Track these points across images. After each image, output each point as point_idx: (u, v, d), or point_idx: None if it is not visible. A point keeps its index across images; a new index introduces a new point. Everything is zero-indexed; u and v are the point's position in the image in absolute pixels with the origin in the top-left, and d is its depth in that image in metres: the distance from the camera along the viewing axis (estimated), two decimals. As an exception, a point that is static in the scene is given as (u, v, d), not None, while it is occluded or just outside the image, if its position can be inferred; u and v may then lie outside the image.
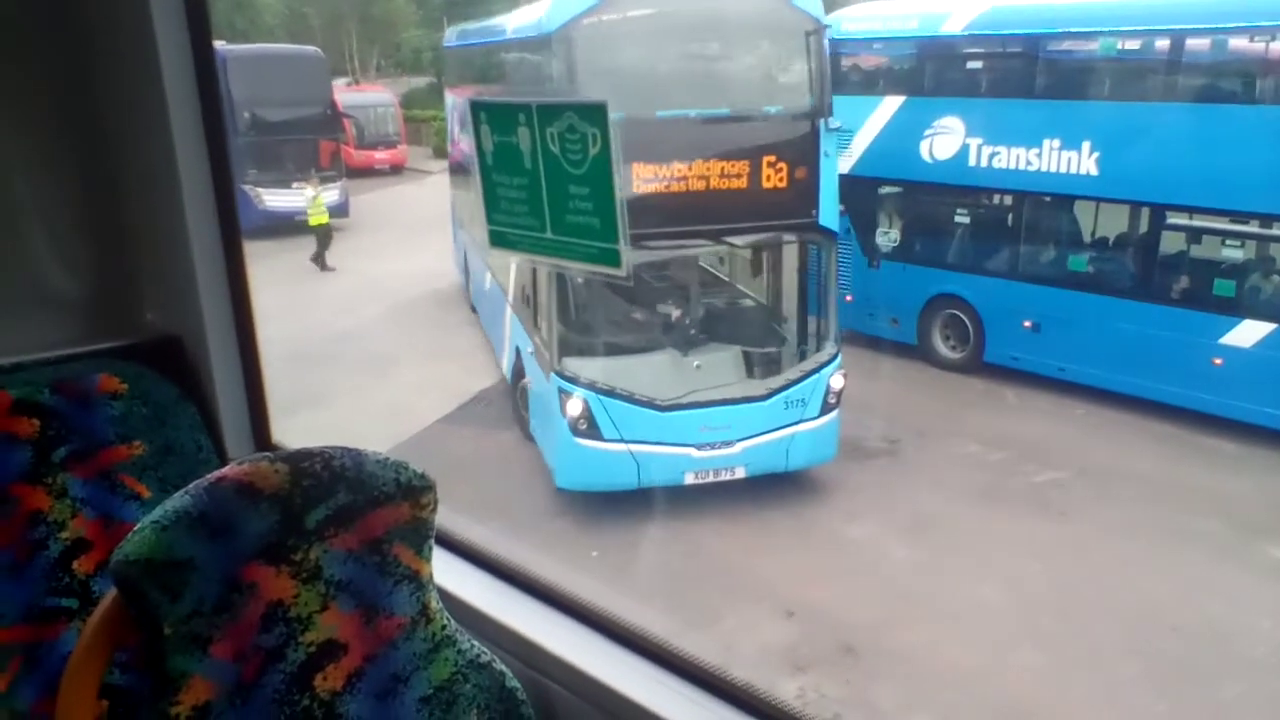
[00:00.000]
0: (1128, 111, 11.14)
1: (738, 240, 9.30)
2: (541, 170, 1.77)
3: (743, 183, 8.77)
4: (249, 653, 1.25)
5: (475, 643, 1.47)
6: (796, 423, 9.08)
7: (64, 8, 2.05)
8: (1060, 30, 11.84)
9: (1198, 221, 10.85)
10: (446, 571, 1.64)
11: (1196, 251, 11.01)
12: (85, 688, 1.21)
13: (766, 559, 8.35)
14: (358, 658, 1.33)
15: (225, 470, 1.26)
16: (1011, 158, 11.72)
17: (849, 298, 13.12)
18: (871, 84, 13.31)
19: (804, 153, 8.95)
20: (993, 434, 10.57)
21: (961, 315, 12.42)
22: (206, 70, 2.10)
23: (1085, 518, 8.87)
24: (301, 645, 1.29)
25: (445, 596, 1.47)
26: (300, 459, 1.29)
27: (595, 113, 1.68)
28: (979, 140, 11.92)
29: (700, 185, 8.71)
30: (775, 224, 9.24)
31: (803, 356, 9.65)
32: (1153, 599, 7.61)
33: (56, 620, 1.78)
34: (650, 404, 8.82)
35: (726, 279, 11.14)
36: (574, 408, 8.69)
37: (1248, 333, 10.17)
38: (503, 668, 1.48)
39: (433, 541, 1.39)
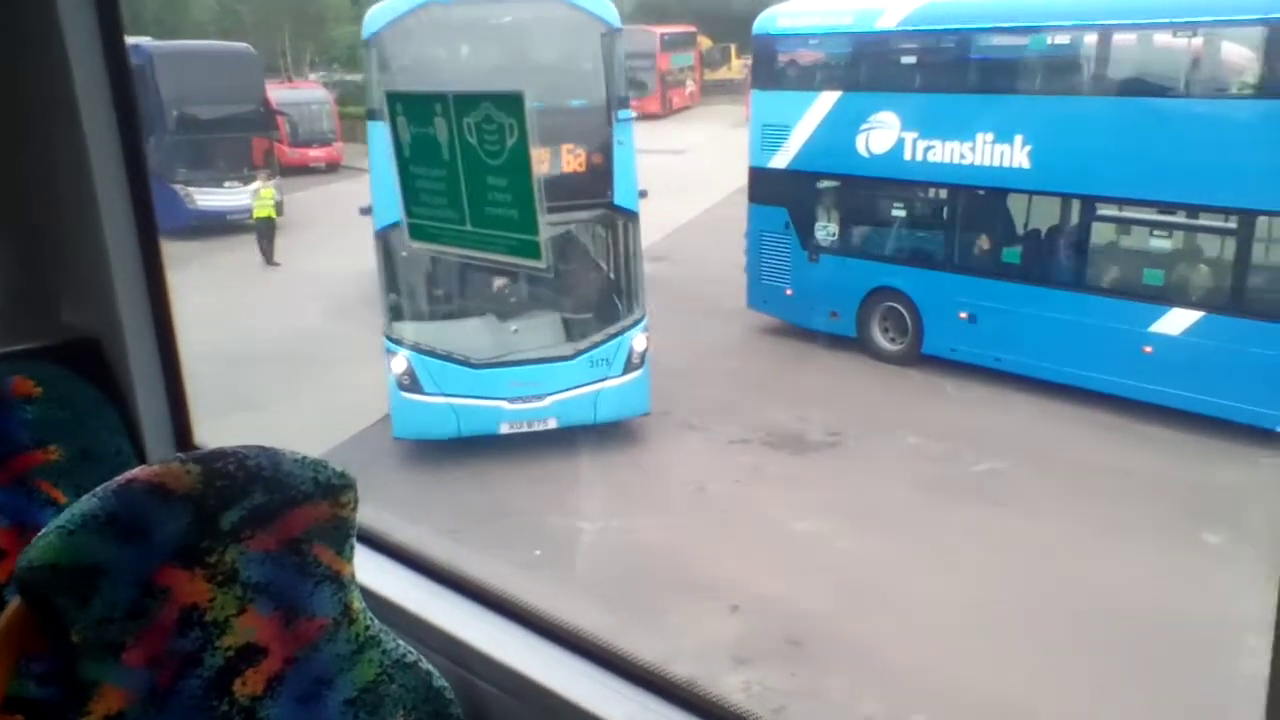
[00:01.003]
0: (1057, 105, 11.35)
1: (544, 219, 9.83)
2: (460, 162, 1.74)
3: (545, 168, 9.53)
4: (164, 659, 1.22)
5: (401, 642, 1.44)
6: (602, 380, 10.16)
7: None
8: (991, 25, 12.03)
9: (1127, 213, 11.09)
10: (371, 570, 1.62)
11: (1126, 242, 11.27)
12: None
13: (721, 562, 8.38)
14: (278, 661, 1.30)
15: (135, 471, 1.23)
16: (946, 151, 11.88)
17: (789, 291, 13.26)
18: (808, 79, 13.41)
19: (599, 141, 10.07)
20: (933, 425, 10.72)
21: (900, 308, 12.56)
22: (119, 66, 2.05)
23: (1022, 505, 9.03)
24: (219, 650, 1.26)
25: (369, 596, 1.45)
26: (214, 459, 1.26)
27: (512, 103, 1.65)
28: (914, 134, 12.07)
29: None
30: (576, 204, 10.08)
31: (611, 322, 10.51)
32: (1087, 581, 7.76)
33: None
34: (465, 361, 10.00)
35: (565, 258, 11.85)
36: (398, 365, 9.95)
37: (1176, 320, 10.42)
38: (429, 667, 1.46)
39: (354, 541, 1.37)
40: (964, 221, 12.29)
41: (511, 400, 9.94)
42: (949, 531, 8.62)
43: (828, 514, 9.02)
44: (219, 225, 13.87)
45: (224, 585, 1.25)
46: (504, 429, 9.98)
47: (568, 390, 10.02)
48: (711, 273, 15.70)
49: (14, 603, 1.18)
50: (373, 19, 9.75)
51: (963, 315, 11.95)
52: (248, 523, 1.26)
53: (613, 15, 10.13)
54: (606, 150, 10.05)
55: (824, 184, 13.30)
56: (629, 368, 10.25)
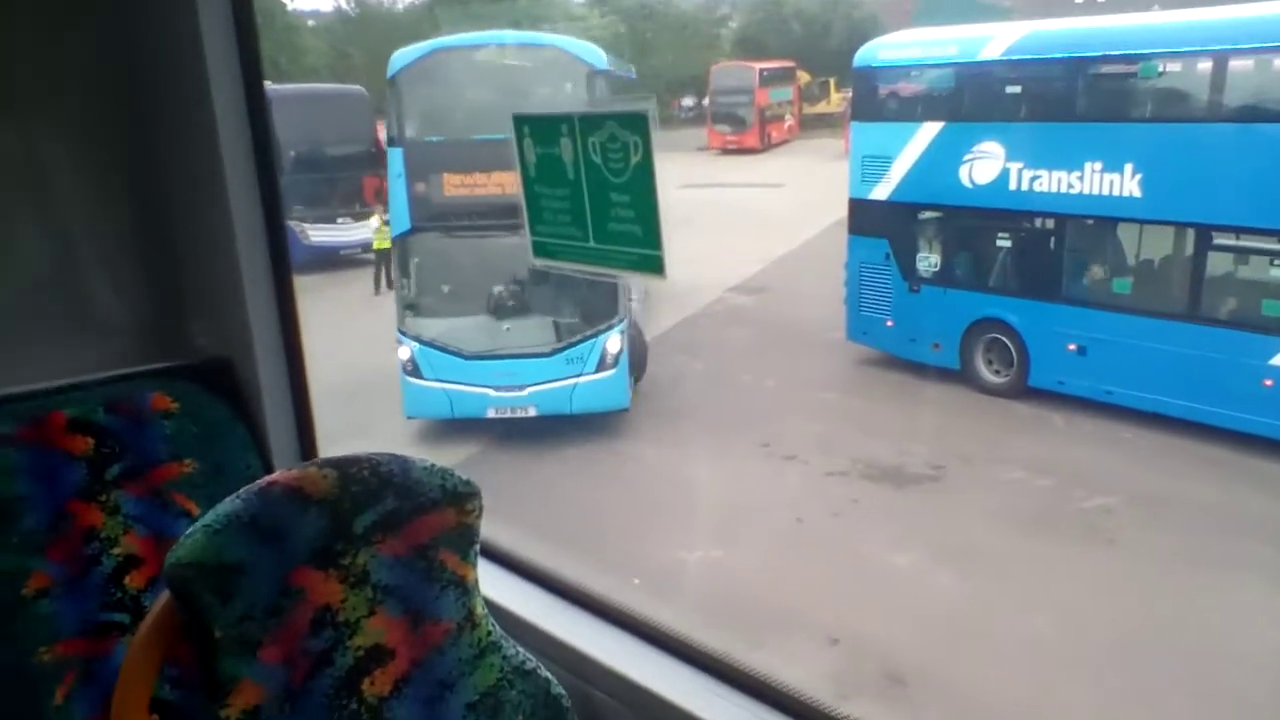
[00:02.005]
0: (1170, 133, 11.04)
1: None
2: (584, 180, 1.79)
3: None
4: (298, 657, 1.26)
5: (520, 649, 1.47)
6: (577, 375, 11.55)
7: (124, 47, 2.11)
8: (1100, 53, 11.78)
9: (1244, 242, 10.69)
10: (490, 581, 1.66)
11: (1244, 272, 10.84)
12: (139, 690, 1.23)
13: (819, 595, 8.27)
14: (405, 663, 1.34)
15: (275, 475, 1.29)
16: (1053, 181, 11.63)
17: (890, 323, 13.09)
18: (909, 110, 13.28)
19: None
20: (1039, 460, 10.42)
21: (1005, 339, 12.30)
22: (257, 105, 2.16)
23: (1135, 545, 8.71)
24: (349, 650, 1.30)
25: (489, 605, 1.48)
26: (348, 465, 1.31)
27: (637, 121, 1.69)
28: (1019, 164, 11.84)
29: (500, 190, 11.37)
30: None
31: (589, 326, 11.81)
32: (1208, 627, 7.44)
33: (109, 635, 1.81)
34: (458, 353, 11.61)
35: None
36: (403, 354, 11.71)
37: (1298, 354, 10.00)
38: (548, 675, 1.49)
39: (478, 548, 1.41)
40: (1072, 251, 12.00)
41: (497, 389, 11.47)
42: (1056, 570, 8.36)
43: (929, 549, 8.83)
44: (332, 260, 14.30)
45: (355, 587, 1.30)
46: (490, 413, 11.62)
47: (545, 383, 11.52)
48: (810, 305, 15.61)
49: (163, 597, 1.25)
50: (395, 61, 11.64)
51: (1071, 347, 11.64)
52: (379, 527, 1.30)
53: (597, 58, 11.82)
54: None
55: (926, 215, 13.13)
56: (602, 366, 11.61)
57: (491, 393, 11.49)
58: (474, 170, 11.65)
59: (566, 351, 11.67)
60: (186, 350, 2.27)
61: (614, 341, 11.63)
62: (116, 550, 1.84)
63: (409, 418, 11.81)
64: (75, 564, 1.80)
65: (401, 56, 11.70)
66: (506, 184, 11.04)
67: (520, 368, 11.56)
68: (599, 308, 11.88)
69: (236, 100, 2.12)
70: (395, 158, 11.83)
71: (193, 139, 2.14)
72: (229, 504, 1.25)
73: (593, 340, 11.66)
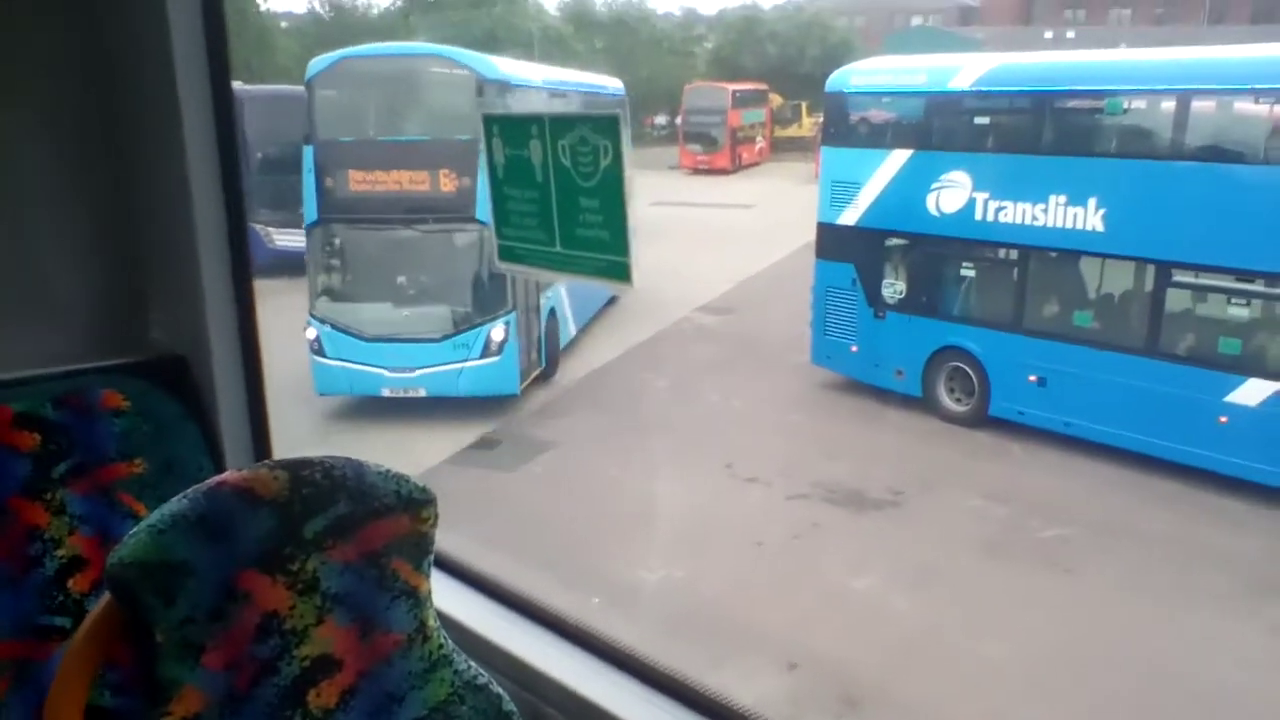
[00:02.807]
0: (1133, 169, 11.21)
1: (420, 227, 12.94)
2: (552, 183, 1.76)
3: (428, 187, 12.74)
4: (242, 663, 1.23)
5: (473, 664, 1.44)
6: (463, 360, 12.56)
7: (90, 41, 2.08)
8: (1067, 88, 11.96)
9: (1203, 279, 10.86)
10: (443, 593, 1.63)
11: (1202, 309, 11.02)
12: (73, 694, 1.18)
13: (777, 617, 8.27)
14: (352, 674, 1.30)
15: (224, 475, 1.25)
16: (1018, 212, 11.77)
17: (854, 348, 13.18)
18: (879, 137, 13.40)
19: (467, 166, 12.31)
20: (998, 488, 10.52)
21: (967, 368, 12.41)
22: (224, 103, 2.13)
23: (1091, 573, 8.79)
24: (296, 658, 1.26)
25: (442, 618, 1.45)
26: (300, 467, 1.27)
27: (608, 124, 1.66)
28: (985, 194, 11.98)
29: (399, 187, 12.81)
30: (448, 215, 12.70)
31: (478, 315, 12.79)
32: (1159, 655, 7.52)
33: (49, 638, 1.75)
34: (358, 335, 12.60)
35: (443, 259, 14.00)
36: (310, 334, 12.72)
37: (1253, 391, 10.14)
38: (500, 690, 1.45)
39: (432, 558, 1.38)
40: (1035, 283, 12.14)
41: (390, 369, 12.46)
42: (1012, 596, 8.42)
43: (887, 573, 8.87)
44: (296, 264, 14.24)
45: (304, 594, 1.26)
46: (385, 392, 12.66)
47: (434, 366, 12.54)
48: (776, 327, 15.71)
49: (104, 599, 1.21)
50: (310, 67, 13.06)
51: (1031, 378, 11.76)
52: (330, 532, 1.27)
53: (487, 67, 13.12)
54: (473, 174, 12.29)
55: (892, 241, 13.24)
56: (486, 353, 12.62)
57: (386, 373, 12.50)
58: (375, 168, 12.86)
59: (454, 338, 12.65)
60: (141, 346, 2.22)
61: (498, 330, 12.65)
62: (60, 551, 1.79)
63: (319, 394, 12.84)
64: (16, 563, 1.75)
65: (316, 64, 13.08)
66: (404, 181, 12.85)
67: (412, 351, 12.54)
68: (490, 300, 12.84)
69: (203, 97, 2.08)
70: (307, 155, 12.87)
71: (157, 135, 2.11)
72: (175, 503, 1.21)
73: (478, 329, 12.66)
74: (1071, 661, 7.50)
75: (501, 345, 12.67)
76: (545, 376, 14.05)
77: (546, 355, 14.10)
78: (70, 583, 1.78)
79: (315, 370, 12.71)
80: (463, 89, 12.82)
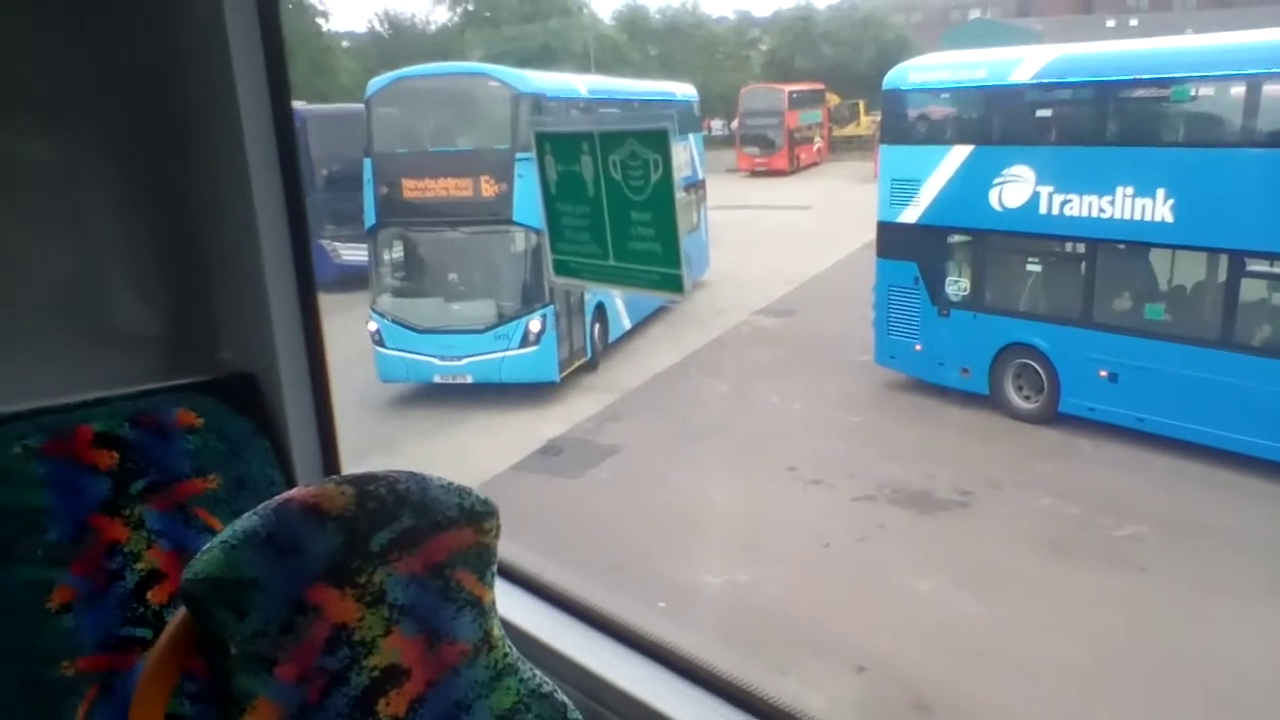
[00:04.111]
0: (1203, 158, 10.91)
1: (465, 229, 14.04)
2: (604, 198, 1.78)
3: (471, 192, 13.78)
4: (313, 675, 1.26)
5: (537, 672, 1.46)
6: (505, 350, 13.55)
7: (154, 64, 2.14)
8: (1132, 77, 11.71)
9: (1278, 268, 10.56)
10: (507, 602, 1.65)
11: (1277, 299, 10.71)
12: (154, 705, 1.22)
13: (844, 621, 8.21)
14: (420, 684, 1.33)
15: (292, 492, 1.28)
16: (1084, 205, 11.55)
17: (918, 347, 13.02)
18: (939, 133, 13.26)
19: (505, 173, 13.38)
20: (1069, 486, 10.31)
21: (1035, 365, 12.19)
22: (285, 123, 2.17)
23: (1166, 573, 8.58)
24: (365, 669, 1.29)
25: (506, 626, 1.47)
26: (365, 482, 1.30)
27: (657, 139, 1.67)
28: (1050, 188, 11.77)
29: (446, 193, 13.90)
30: (489, 219, 13.71)
31: (519, 308, 13.75)
32: (1239, 657, 7.31)
33: (131, 649, 1.81)
34: (412, 327, 13.74)
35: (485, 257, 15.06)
36: (372, 327, 13.91)
37: (1336, 382, 9.84)
38: (565, 699, 1.47)
39: (495, 568, 1.40)
40: (1103, 277, 11.88)
41: (441, 358, 13.53)
42: (1085, 597, 8.25)
43: (955, 575, 8.74)
44: (362, 279, 14.56)
45: (372, 606, 1.29)
46: (436, 379, 13.77)
47: (478, 355, 13.53)
48: (838, 327, 15.57)
49: (180, 613, 1.24)
50: (369, 87, 14.36)
51: (1102, 373, 11.52)
52: (396, 545, 1.30)
53: (524, 83, 14.15)
54: (510, 180, 13.31)
55: (955, 238, 13.06)
56: (525, 343, 13.57)
57: (436, 361, 13.57)
58: (425, 176, 13.99)
59: (496, 329, 13.67)
60: (211, 365, 2.28)
61: (536, 322, 13.60)
62: (139, 565, 1.84)
63: (382, 381, 13.93)
64: (98, 578, 1.81)
65: (374, 84, 14.41)
66: (451, 188, 13.89)
67: (459, 341, 13.60)
68: (529, 294, 13.84)
69: (264, 118, 2.13)
70: (367, 166, 14.05)
71: (221, 155, 2.16)
72: (246, 520, 1.24)
73: (518, 321, 13.63)
74: (1148, 664, 7.34)
75: (539, 336, 13.60)
76: (590, 367, 14.84)
77: (591, 347, 14.89)
78: (149, 595, 1.84)
79: (377, 359, 13.82)
80: (501, 103, 13.92)
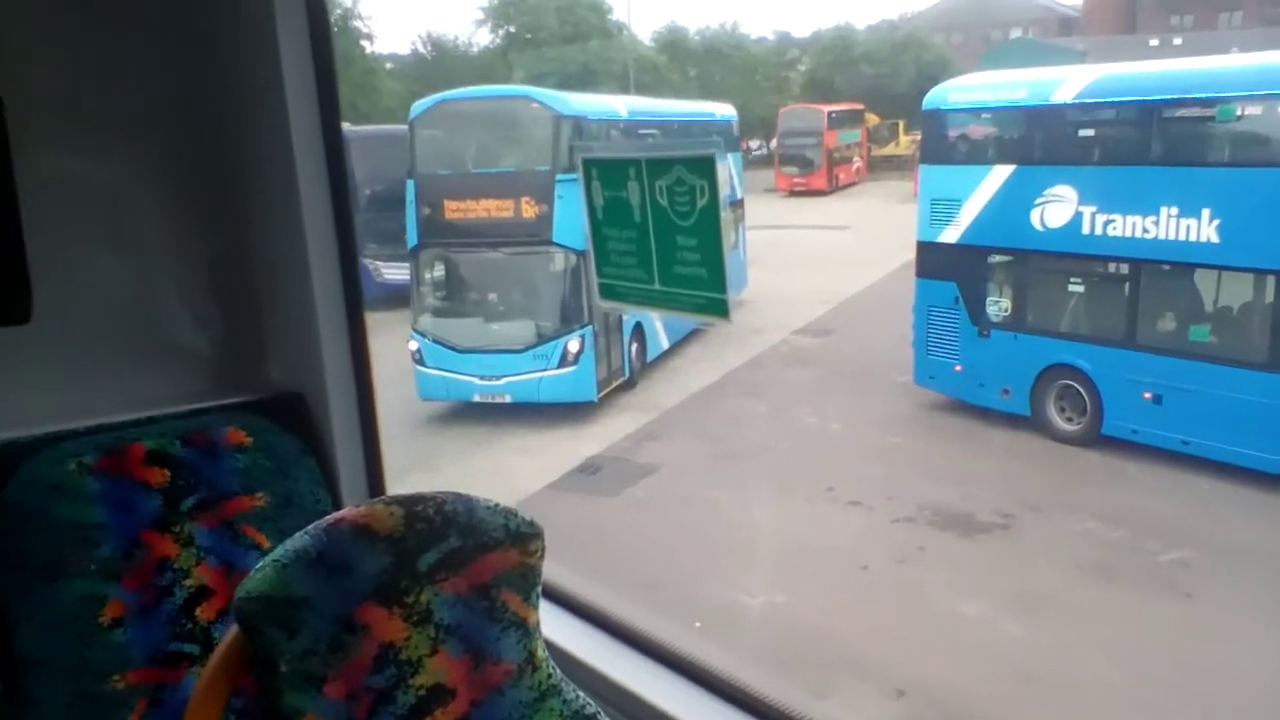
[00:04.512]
0: (1250, 178, 10.76)
1: (505, 249, 14.04)
2: (650, 223, 1.80)
3: (511, 213, 13.79)
4: (360, 694, 1.27)
5: (581, 694, 1.46)
6: (543, 370, 13.55)
7: (208, 85, 2.19)
8: (1177, 97, 11.58)
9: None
10: (551, 623, 1.66)
11: (1328, 321, 10.53)
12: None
13: (884, 644, 8.13)
14: (465, 703, 1.34)
15: (343, 512, 1.30)
16: (1127, 225, 11.42)
17: (958, 368, 12.92)
18: (980, 153, 13.18)
19: (545, 194, 13.43)
20: (1113, 510, 10.16)
21: (1077, 386, 12.05)
22: (334, 144, 2.21)
23: (1213, 599, 8.43)
24: (411, 688, 1.30)
25: (550, 648, 1.48)
26: (414, 503, 1.32)
27: (704, 165, 1.69)
28: (1092, 208, 11.66)
29: (487, 214, 13.92)
30: (529, 239, 13.77)
31: (557, 328, 13.79)
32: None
33: (179, 665, 1.83)
34: (452, 347, 13.84)
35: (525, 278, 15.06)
36: (412, 346, 14.02)
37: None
38: None
39: (540, 590, 1.41)
40: (1147, 297, 11.73)
41: (480, 378, 13.57)
42: (1130, 622, 8.12)
43: (997, 599, 8.63)
44: (404, 298, 14.74)
45: (419, 625, 1.30)
46: (475, 398, 13.77)
47: (517, 375, 13.56)
48: (877, 347, 15.49)
49: (232, 630, 1.27)
50: (413, 110, 14.43)
51: (1146, 395, 11.36)
52: (442, 566, 1.31)
53: (564, 105, 14.14)
54: (550, 201, 13.39)
55: (996, 258, 12.96)
56: (563, 363, 13.58)
57: (476, 380, 13.63)
58: (467, 197, 14.06)
59: (534, 349, 13.72)
60: (260, 384, 2.31)
61: (574, 343, 13.63)
62: (189, 581, 1.87)
63: (422, 400, 13.98)
64: (149, 593, 1.84)
65: (418, 106, 14.51)
66: (492, 209, 13.94)
67: (498, 361, 13.65)
68: (568, 314, 13.90)
69: (315, 140, 2.17)
70: (410, 187, 14.14)
71: (272, 176, 2.20)
72: (297, 539, 1.26)
73: (555, 341, 13.68)
74: (1194, 690, 7.20)
75: (578, 356, 13.65)
76: (628, 386, 14.84)
77: (629, 367, 14.93)
78: (198, 611, 1.87)
79: (418, 378, 13.90)
80: (542, 125, 13.94)
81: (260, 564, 1.25)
